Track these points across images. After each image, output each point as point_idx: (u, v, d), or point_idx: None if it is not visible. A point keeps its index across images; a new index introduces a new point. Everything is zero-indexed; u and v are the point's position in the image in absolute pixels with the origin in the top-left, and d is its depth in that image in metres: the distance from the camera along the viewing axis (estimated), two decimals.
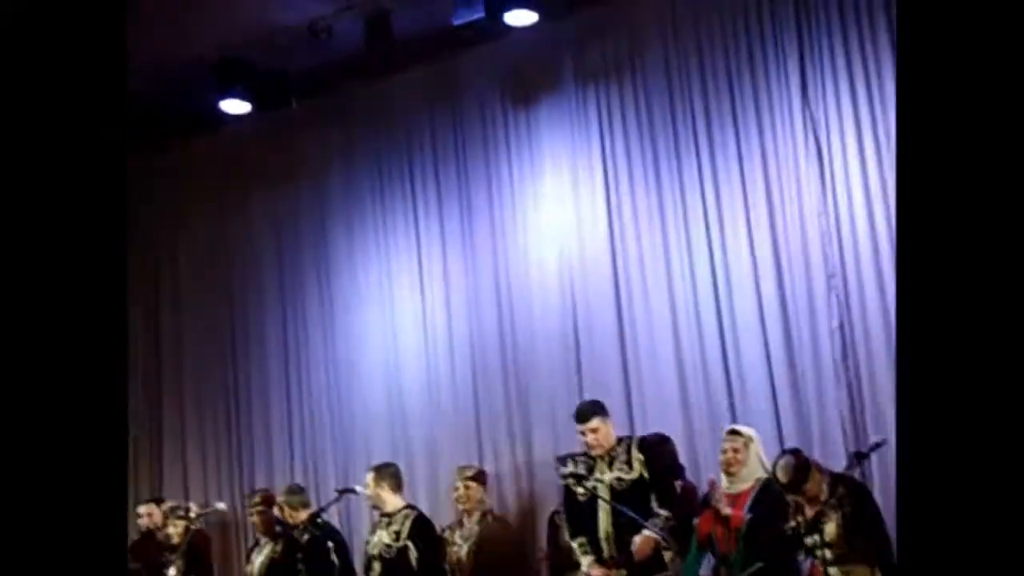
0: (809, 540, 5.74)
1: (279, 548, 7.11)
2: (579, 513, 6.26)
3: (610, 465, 6.16)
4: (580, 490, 6.17)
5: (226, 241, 11.05)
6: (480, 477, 6.90)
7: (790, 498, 5.92)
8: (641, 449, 6.15)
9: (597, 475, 6.17)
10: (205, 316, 11.03)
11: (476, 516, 6.70)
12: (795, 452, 6.20)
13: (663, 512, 6.00)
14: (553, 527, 7.07)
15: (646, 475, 6.06)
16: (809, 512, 5.81)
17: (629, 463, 6.13)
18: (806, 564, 6.16)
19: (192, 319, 11.11)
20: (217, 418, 10.75)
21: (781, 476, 5.95)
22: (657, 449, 6.25)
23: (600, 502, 6.07)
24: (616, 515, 6.00)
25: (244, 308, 10.84)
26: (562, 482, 6.55)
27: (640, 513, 5.92)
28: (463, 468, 7.19)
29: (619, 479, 6.09)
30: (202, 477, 10.62)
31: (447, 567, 6.63)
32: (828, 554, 5.65)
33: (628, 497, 6.02)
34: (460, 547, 6.61)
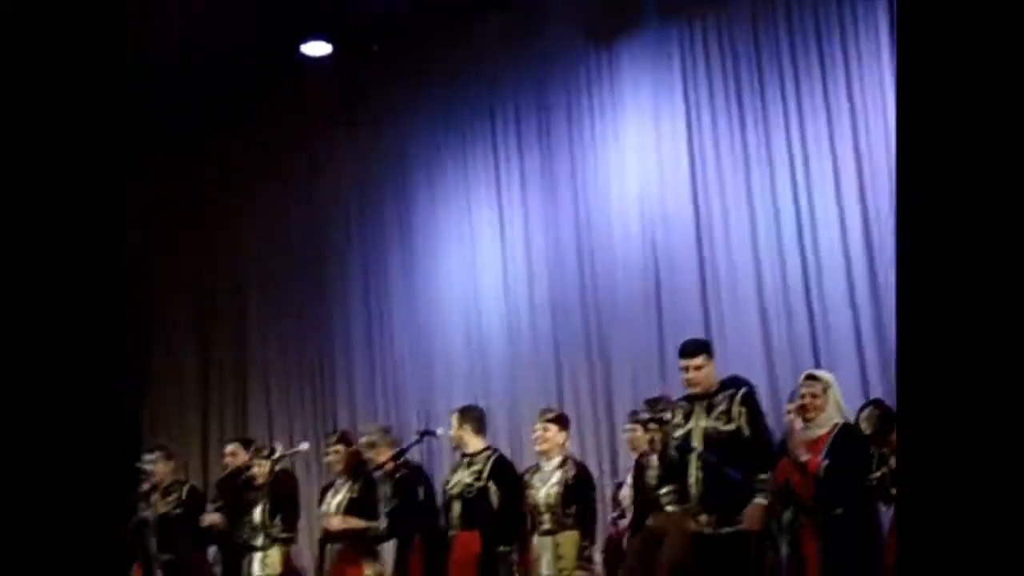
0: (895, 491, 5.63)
1: (358, 487, 7.15)
2: (671, 459, 6.16)
3: (708, 412, 6.02)
4: (675, 434, 6.06)
5: (311, 186, 11.15)
6: (561, 420, 6.84)
7: (874, 450, 5.81)
8: (744, 402, 5.97)
9: (693, 421, 6.06)
10: (290, 260, 11.16)
11: (556, 460, 6.66)
12: (879, 402, 6.07)
13: (765, 475, 5.85)
14: (639, 468, 7.02)
15: (745, 431, 5.91)
16: (895, 463, 5.69)
17: (728, 414, 5.98)
18: (888, 513, 6.06)
19: (277, 263, 11.26)
20: (302, 360, 10.94)
21: (865, 427, 5.83)
22: (759, 408, 6.06)
23: (692, 453, 5.94)
24: (707, 465, 5.88)
25: (328, 252, 10.97)
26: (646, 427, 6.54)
27: (732, 468, 5.79)
28: (544, 411, 7.16)
29: (716, 429, 5.95)
30: (286, 419, 10.84)
31: (524, 510, 6.63)
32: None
33: (721, 449, 5.90)
34: (538, 490, 6.59)
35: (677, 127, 8.91)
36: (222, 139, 11.43)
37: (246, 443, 8.27)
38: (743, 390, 5.97)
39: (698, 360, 6.00)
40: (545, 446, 6.67)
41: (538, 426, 6.78)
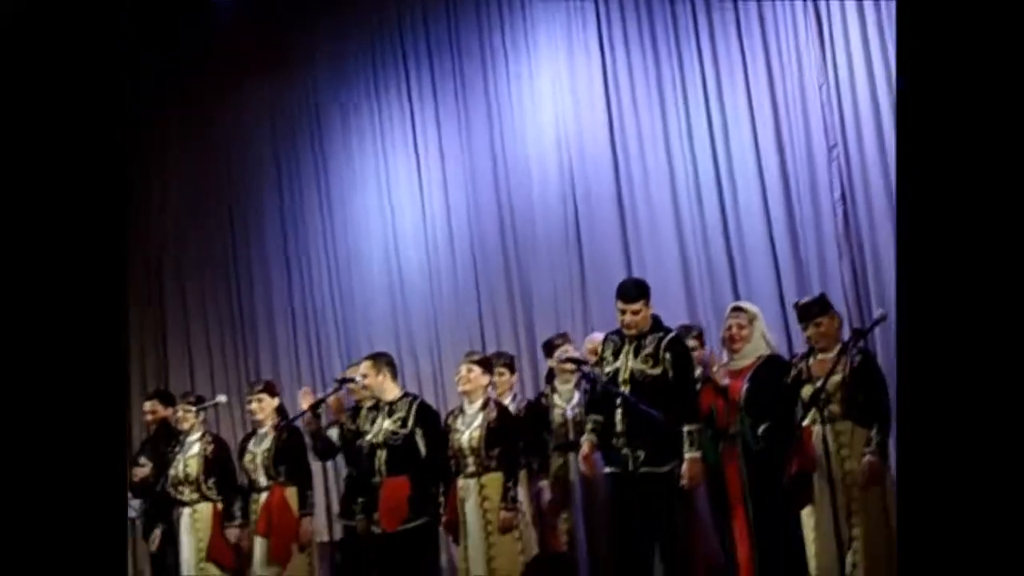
0: (807, 389, 5.69)
1: (284, 437, 7.14)
2: (595, 395, 6.22)
3: (636, 353, 6.07)
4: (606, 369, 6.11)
5: (222, 132, 10.97)
6: (485, 363, 6.85)
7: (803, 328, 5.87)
8: (671, 347, 6.04)
9: (622, 360, 6.09)
10: (203, 209, 11.01)
11: (479, 403, 6.67)
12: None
13: (692, 427, 5.92)
14: (541, 409, 7.04)
15: (670, 375, 5.98)
16: (815, 364, 5.76)
17: (655, 357, 6.04)
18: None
19: (190, 212, 11.10)
20: (220, 311, 10.82)
21: (801, 304, 5.96)
22: (687, 354, 6.13)
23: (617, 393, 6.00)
24: (629, 405, 5.94)
25: (242, 198, 10.84)
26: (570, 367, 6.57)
27: (656, 409, 5.84)
28: (469, 353, 7.16)
29: (643, 372, 6.01)
30: (208, 370, 10.72)
31: (449, 453, 6.64)
32: (828, 411, 5.62)
33: (647, 391, 5.95)
34: (461, 433, 6.59)
35: (592, 64, 8.84)
36: (132, 88, 11.18)
37: (165, 397, 8.18)
38: (671, 334, 6.05)
39: (637, 305, 6.05)
40: (468, 386, 6.68)
41: (462, 368, 6.78)
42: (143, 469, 7.67)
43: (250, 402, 7.33)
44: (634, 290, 6.13)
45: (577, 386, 6.86)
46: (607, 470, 6.14)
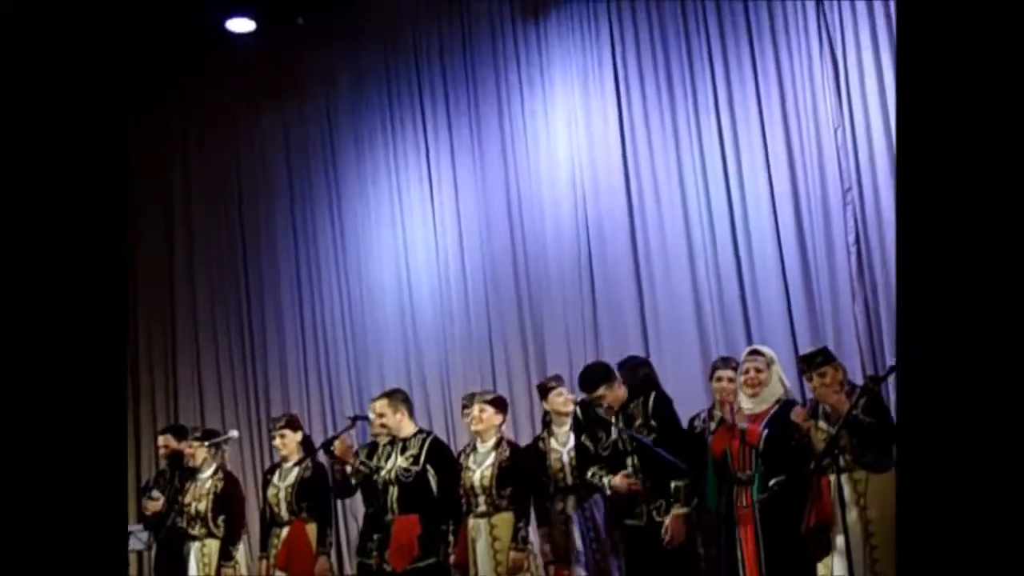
0: (819, 436, 5.69)
1: (308, 475, 7.18)
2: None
3: (628, 423, 6.09)
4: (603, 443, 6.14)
5: (237, 163, 10.98)
6: (499, 403, 6.85)
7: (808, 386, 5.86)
8: (656, 412, 6.06)
9: (615, 431, 6.12)
10: (217, 241, 11.01)
11: (491, 442, 6.66)
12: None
13: (680, 483, 5.94)
14: (539, 453, 7.01)
15: (664, 436, 6.01)
16: (821, 426, 5.76)
17: (647, 425, 6.07)
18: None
19: (204, 244, 11.09)
20: (231, 346, 10.79)
21: (805, 354, 5.97)
22: (671, 410, 6.16)
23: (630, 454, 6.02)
24: (643, 457, 5.96)
25: (256, 231, 10.81)
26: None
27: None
28: (481, 393, 7.15)
29: (639, 441, 6.03)
30: (218, 405, 10.70)
31: (460, 491, 6.62)
32: (843, 460, 5.63)
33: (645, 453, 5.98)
34: (473, 472, 6.58)
35: (607, 103, 8.88)
36: (146, 115, 11.25)
37: (178, 431, 8.18)
38: (652, 396, 6.06)
39: (601, 390, 6.08)
40: (480, 427, 6.67)
41: (475, 407, 6.78)
42: (155, 502, 7.67)
43: (273, 437, 7.39)
44: (590, 379, 6.16)
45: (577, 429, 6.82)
46: (627, 522, 6.13)
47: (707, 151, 8.39)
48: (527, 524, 6.54)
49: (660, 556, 5.88)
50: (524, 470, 6.64)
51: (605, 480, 6.07)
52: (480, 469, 6.56)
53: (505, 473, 6.51)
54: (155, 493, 7.77)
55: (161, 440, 8.09)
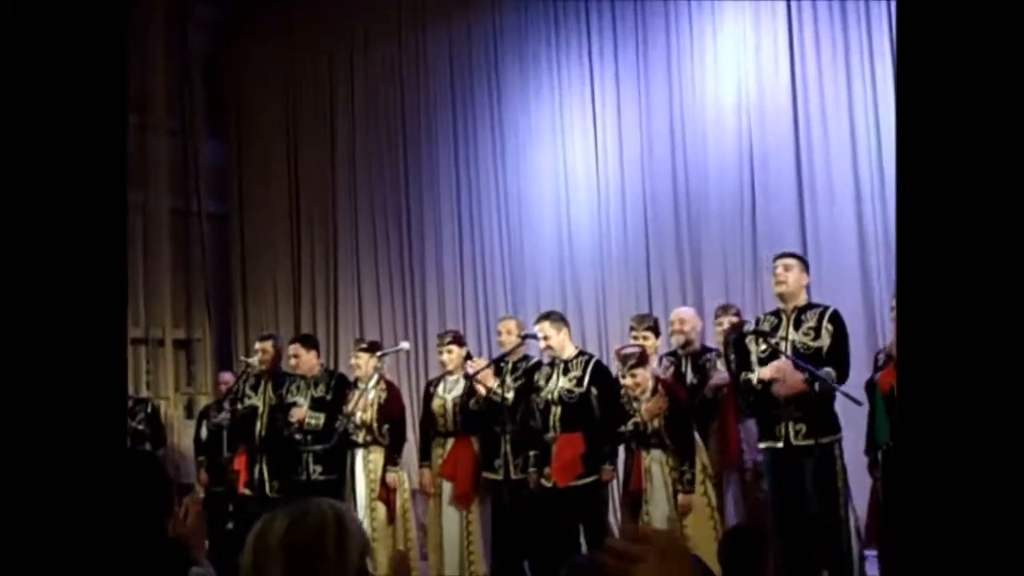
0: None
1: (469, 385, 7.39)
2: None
3: (796, 326, 6.13)
4: (762, 347, 6.16)
5: (400, 78, 11.01)
6: (657, 328, 6.95)
7: None
8: (832, 321, 6.09)
9: (781, 333, 6.16)
10: (379, 158, 11.09)
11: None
12: None
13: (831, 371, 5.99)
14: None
15: (826, 348, 6.04)
16: None
17: (818, 331, 6.09)
18: None
19: (366, 162, 11.19)
20: (390, 259, 10.91)
21: None
22: (843, 323, 6.18)
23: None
24: (799, 367, 5.99)
25: (417, 148, 10.83)
26: (748, 337, 6.50)
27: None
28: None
29: (805, 344, 6.07)
30: (376, 317, 10.90)
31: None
32: None
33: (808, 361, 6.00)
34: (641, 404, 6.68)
35: (778, 26, 8.66)
36: (312, 24, 11.42)
37: (307, 340, 8.26)
38: (832, 308, 6.12)
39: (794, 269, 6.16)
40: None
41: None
42: (301, 411, 7.73)
43: (440, 352, 7.62)
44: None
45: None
46: (762, 445, 6.22)
47: (878, 76, 8.16)
48: (692, 467, 6.52)
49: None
50: (683, 408, 6.69)
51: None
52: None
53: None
54: (301, 402, 7.91)
55: (259, 345, 8.27)
